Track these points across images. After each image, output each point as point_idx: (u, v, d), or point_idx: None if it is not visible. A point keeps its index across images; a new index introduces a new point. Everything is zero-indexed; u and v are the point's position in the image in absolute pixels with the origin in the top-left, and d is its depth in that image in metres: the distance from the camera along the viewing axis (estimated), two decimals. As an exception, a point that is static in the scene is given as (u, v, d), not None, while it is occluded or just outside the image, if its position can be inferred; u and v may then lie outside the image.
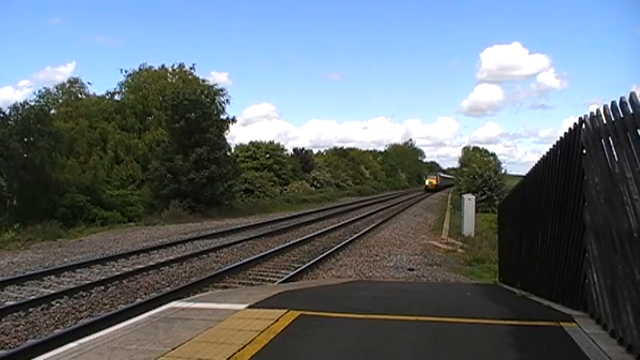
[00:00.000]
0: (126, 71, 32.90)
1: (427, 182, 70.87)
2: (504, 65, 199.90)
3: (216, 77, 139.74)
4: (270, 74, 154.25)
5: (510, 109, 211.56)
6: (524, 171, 7.85)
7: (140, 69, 33.38)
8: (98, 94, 32.30)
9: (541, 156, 6.10)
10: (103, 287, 9.17)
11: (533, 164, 6.67)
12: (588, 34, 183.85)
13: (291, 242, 14.99)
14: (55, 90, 30.62)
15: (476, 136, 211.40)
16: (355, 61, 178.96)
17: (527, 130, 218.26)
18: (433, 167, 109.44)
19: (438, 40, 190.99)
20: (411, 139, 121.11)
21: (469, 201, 19.08)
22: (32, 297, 8.33)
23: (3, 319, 7.14)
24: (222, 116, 27.61)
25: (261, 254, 12.67)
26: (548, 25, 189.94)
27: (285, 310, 4.58)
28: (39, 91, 29.53)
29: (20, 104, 22.11)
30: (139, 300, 8.28)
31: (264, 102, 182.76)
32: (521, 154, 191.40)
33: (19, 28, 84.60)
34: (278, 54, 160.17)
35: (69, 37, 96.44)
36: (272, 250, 13.47)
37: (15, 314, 7.39)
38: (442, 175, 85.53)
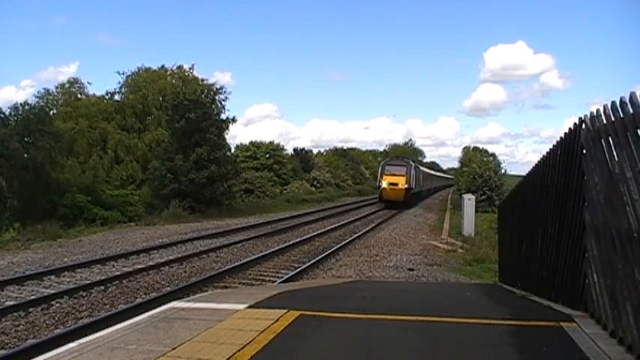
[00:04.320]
0: (123, 73, 32.94)
1: (384, 184, 31.67)
2: (508, 65, 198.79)
3: (219, 77, 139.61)
4: (273, 75, 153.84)
5: (512, 109, 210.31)
6: (524, 171, 7.87)
7: (139, 69, 33.44)
8: (100, 94, 32.42)
9: (541, 156, 6.11)
10: (103, 287, 9.18)
11: (534, 164, 6.68)
12: (592, 34, 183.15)
13: (291, 242, 14.99)
14: (55, 90, 30.69)
15: (477, 136, 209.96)
16: (358, 61, 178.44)
17: (529, 130, 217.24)
18: (433, 167, 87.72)
19: (441, 40, 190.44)
20: (411, 139, 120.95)
21: (469, 201, 19.11)
22: (32, 297, 8.33)
23: (3, 319, 7.15)
24: (222, 116, 27.64)
25: (261, 254, 12.67)
26: (554, 25, 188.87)
27: (285, 310, 4.58)
28: (38, 92, 29.62)
29: (21, 104, 22.19)
30: (139, 300, 8.28)
31: (266, 102, 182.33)
32: (522, 154, 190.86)
33: (22, 27, 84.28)
34: (281, 55, 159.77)
35: (72, 37, 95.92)
36: (272, 250, 13.48)
37: (15, 314, 7.40)
38: (425, 169, 47.07)
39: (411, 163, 34.42)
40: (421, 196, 39.88)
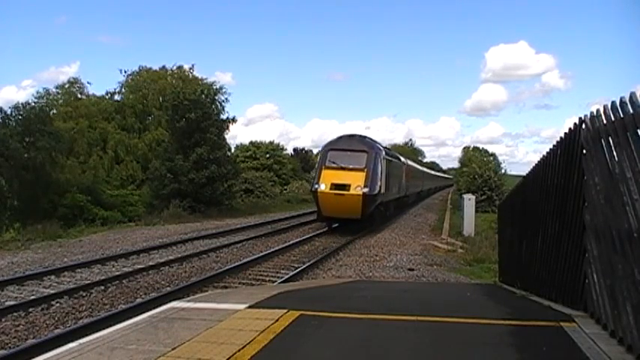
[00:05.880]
0: (125, 71, 32.98)
1: (322, 187, 16.34)
2: (509, 65, 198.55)
3: (220, 77, 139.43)
4: (273, 74, 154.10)
5: (513, 109, 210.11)
6: (524, 171, 7.88)
7: (140, 69, 33.48)
8: (100, 94, 32.44)
9: (542, 156, 6.11)
10: (103, 287, 9.17)
11: (534, 164, 6.68)
12: (593, 34, 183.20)
13: (291, 242, 14.99)
14: (55, 90, 30.71)
15: (478, 136, 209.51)
16: (359, 60, 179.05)
17: (529, 130, 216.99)
18: (433, 167, 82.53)
19: (442, 39, 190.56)
20: (411, 139, 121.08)
21: (469, 201, 19.11)
22: (32, 297, 8.32)
23: (3, 319, 7.14)
24: (222, 116, 27.65)
25: (261, 254, 12.67)
26: (555, 25, 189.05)
27: (285, 310, 4.58)
28: (38, 92, 29.63)
29: (22, 104, 22.22)
30: (139, 300, 8.28)
31: (267, 102, 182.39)
32: (522, 154, 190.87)
33: (23, 27, 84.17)
34: (282, 54, 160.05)
35: (73, 37, 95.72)
36: (272, 250, 13.47)
37: (15, 314, 7.39)
38: (411, 163, 31.73)
39: (379, 147, 18.89)
40: (404, 203, 26.27)
